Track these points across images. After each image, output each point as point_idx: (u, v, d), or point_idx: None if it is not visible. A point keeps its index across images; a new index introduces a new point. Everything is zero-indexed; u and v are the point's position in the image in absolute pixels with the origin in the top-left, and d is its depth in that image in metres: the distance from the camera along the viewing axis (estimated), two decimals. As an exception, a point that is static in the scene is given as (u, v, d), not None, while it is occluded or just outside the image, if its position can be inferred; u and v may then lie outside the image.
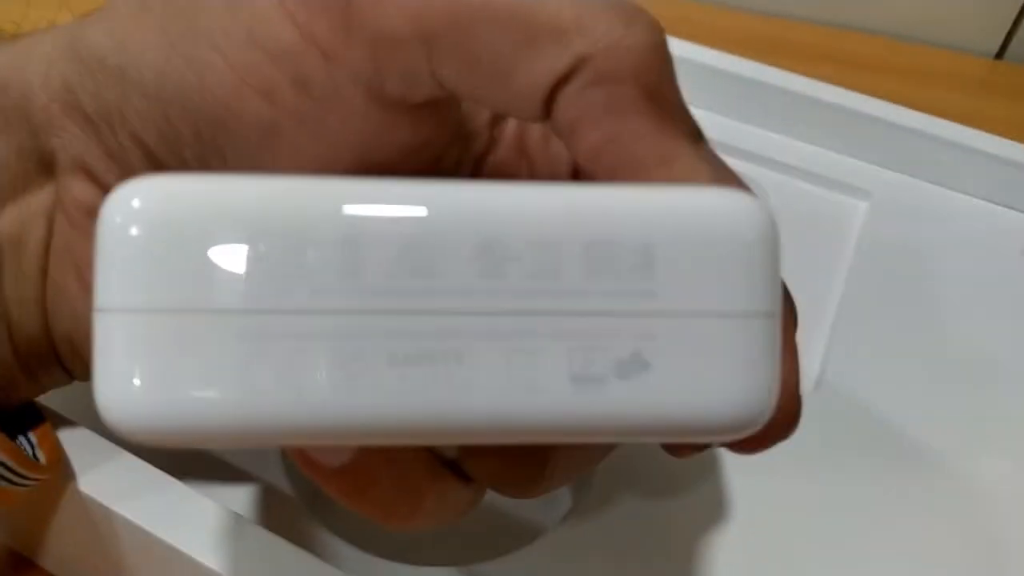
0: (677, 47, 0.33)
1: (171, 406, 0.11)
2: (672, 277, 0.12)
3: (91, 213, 0.16)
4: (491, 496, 0.25)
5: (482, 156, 0.18)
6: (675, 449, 0.17)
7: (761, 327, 0.12)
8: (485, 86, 0.14)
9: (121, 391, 0.11)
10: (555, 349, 0.11)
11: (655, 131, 0.14)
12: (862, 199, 0.31)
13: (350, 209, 0.11)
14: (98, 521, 0.19)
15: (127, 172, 0.16)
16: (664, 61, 0.14)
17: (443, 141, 0.17)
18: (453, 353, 0.11)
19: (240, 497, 0.21)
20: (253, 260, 0.11)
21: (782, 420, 0.15)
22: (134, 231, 0.11)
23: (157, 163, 0.16)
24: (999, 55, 0.50)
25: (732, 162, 0.15)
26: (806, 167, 0.31)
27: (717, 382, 0.12)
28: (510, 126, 0.19)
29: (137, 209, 0.11)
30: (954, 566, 0.21)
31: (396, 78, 0.15)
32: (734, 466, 0.22)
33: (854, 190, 0.31)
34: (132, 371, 0.11)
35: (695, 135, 0.15)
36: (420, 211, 0.11)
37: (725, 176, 0.15)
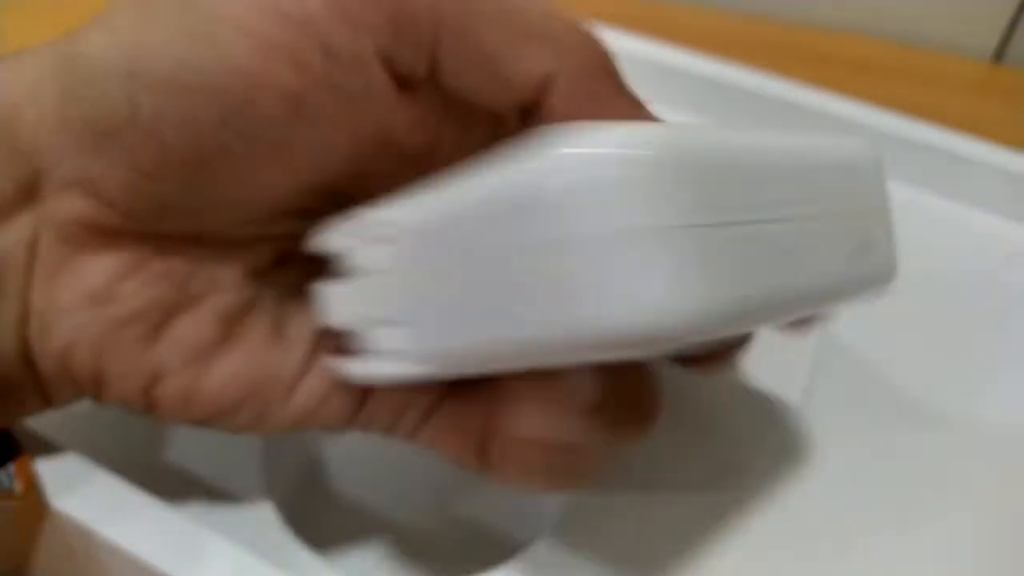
0: (659, 53, 0.33)
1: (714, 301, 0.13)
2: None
3: (89, 227, 0.17)
4: (471, 510, 0.25)
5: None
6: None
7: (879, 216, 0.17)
8: (475, 72, 0.16)
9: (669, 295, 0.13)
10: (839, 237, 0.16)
11: (632, 110, 0.17)
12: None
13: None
14: (77, 542, 0.19)
15: (135, 174, 0.16)
16: (612, 57, 0.17)
17: (436, 125, 0.19)
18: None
19: (223, 518, 0.21)
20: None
21: None
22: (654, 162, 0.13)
23: (173, 156, 0.16)
24: (996, 58, 0.50)
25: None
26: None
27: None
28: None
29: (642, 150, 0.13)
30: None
31: (406, 53, 0.16)
32: (724, 485, 0.22)
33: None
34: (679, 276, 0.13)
35: (647, 107, 0.17)
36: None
37: None
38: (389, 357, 0.17)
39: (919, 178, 0.31)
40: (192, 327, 0.18)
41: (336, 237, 0.18)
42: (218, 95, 0.15)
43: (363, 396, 0.19)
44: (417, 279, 0.16)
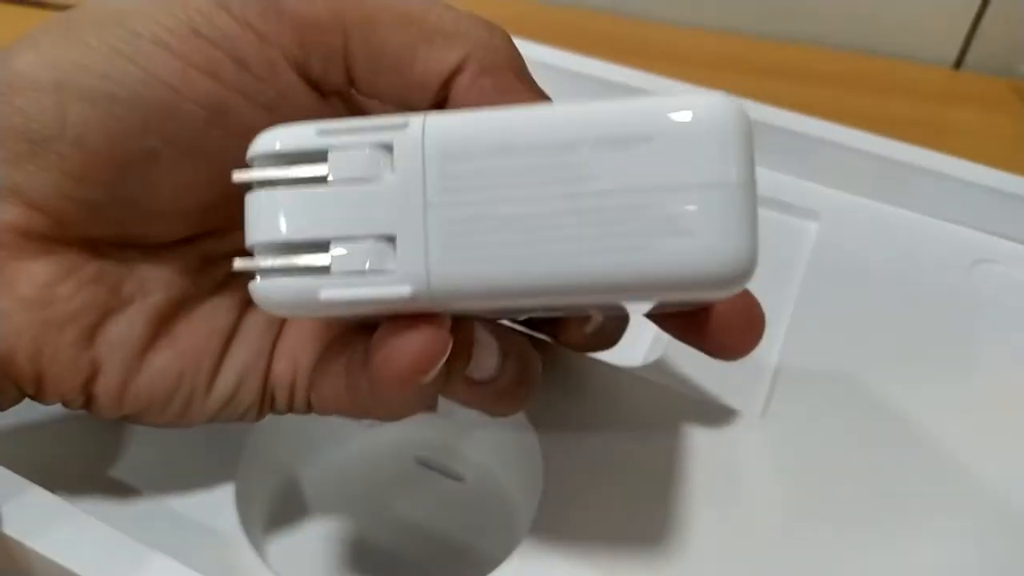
0: (615, 73, 0.34)
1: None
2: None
3: (22, 233, 0.18)
4: (445, 527, 0.25)
5: None
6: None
7: (739, 195, 0.14)
8: (388, 73, 0.18)
9: None
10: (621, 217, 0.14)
11: (534, 101, 0.18)
12: (812, 220, 0.31)
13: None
14: (16, 555, 0.19)
15: (65, 180, 0.17)
16: (518, 51, 0.18)
17: None
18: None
19: (187, 538, 0.22)
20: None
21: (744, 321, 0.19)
22: None
23: (100, 161, 0.17)
24: (957, 65, 0.51)
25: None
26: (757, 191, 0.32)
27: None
28: None
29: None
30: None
31: (318, 61, 0.18)
32: (696, 490, 0.22)
33: (804, 212, 0.31)
34: None
35: (548, 98, 0.19)
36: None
37: None
38: (368, 277, 0.15)
39: (881, 190, 0.32)
40: (126, 327, 0.19)
41: (308, 135, 0.16)
42: (140, 104, 0.17)
43: (265, 379, 0.20)
44: (442, 196, 0.15)
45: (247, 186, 0.16)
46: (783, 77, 0.48)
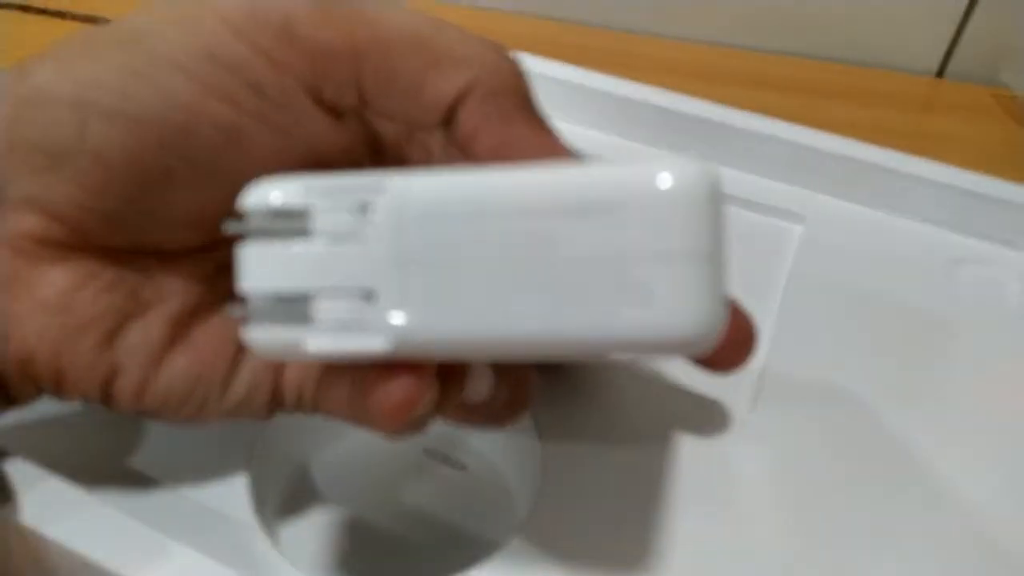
0: (606, 83, 0.35)
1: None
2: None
3: (41, 241, 0.18)
4: (448, 513, 0.26)
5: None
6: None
7: (705, 264, 0.14)
8: (398, 97, 0.18)
9: None
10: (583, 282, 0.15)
11: (534, 131, 0.18)
12: (797, 223, 0.32)
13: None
14: (33, 545, 0.20)
15: (83, 193, 0.18)
16: (526, 80, 0.19)
17: (361, 150, 0.21)
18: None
19: (202, 525, 0.22)
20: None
21: (736, 337, 0.20)
22: None
23: (118, 176, 0.18)
24: (939, 73, 0.52)
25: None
26: (743, 195, 0.33)
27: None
28: (415, 153, 0.23)
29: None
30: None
31: (331, 86, 0.18)
32: (687, 483, 0.23)
33: (790, 215, 0.32)
34: None
35: (551, 127, 0.19)
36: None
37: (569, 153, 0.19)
38: (351, 330, 0.16)
39: (865, 194, 0.33)
40: (144, 332, 0.19)
41: (295, 192, 0.16)
42: (158, 125, 0.17)
43: (276, 382, 0.21)
44: (419, 255, 0.15)
45: (239, 235, 0.17)
46: (768, 87, 0.49)
